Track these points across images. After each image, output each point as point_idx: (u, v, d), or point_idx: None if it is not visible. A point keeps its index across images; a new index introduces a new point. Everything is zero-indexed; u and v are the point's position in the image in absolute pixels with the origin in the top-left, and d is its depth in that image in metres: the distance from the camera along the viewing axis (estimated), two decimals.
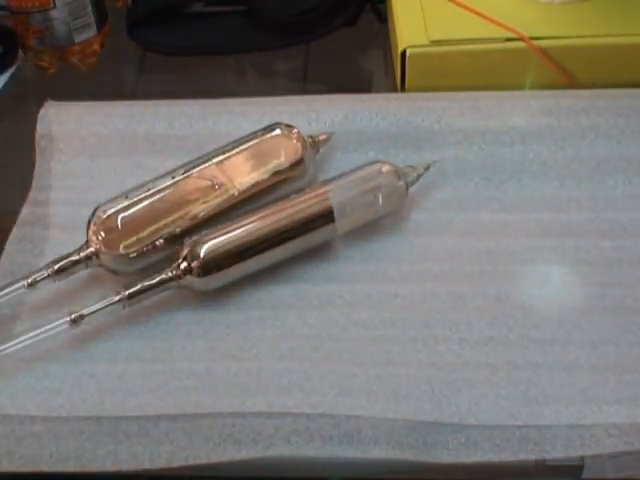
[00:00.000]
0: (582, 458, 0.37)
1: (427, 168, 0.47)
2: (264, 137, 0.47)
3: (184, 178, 0.46)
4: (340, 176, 0.46)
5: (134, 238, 0.43)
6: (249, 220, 0.44)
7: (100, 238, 0.43)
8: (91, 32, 0.60)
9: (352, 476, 0.38)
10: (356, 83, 0.61)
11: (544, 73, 0.53)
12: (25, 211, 0.49)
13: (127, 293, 0.41)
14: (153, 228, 0.44)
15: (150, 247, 0.44)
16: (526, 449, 0.37)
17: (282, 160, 0.47)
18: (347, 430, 0.38)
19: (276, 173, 0.47)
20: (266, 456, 0.37)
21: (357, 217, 0.46)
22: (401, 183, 0.46)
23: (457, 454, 0.37)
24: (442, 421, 0.38)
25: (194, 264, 0.42)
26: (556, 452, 0.37)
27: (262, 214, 0.44)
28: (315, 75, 0.61)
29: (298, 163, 0.47)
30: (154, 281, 0.42)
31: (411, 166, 0.47)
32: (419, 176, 0.47)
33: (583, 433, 0.37)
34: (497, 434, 0.37)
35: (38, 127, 0.52)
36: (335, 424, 0.38)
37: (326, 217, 0.44)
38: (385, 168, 0.46)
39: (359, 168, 0.46)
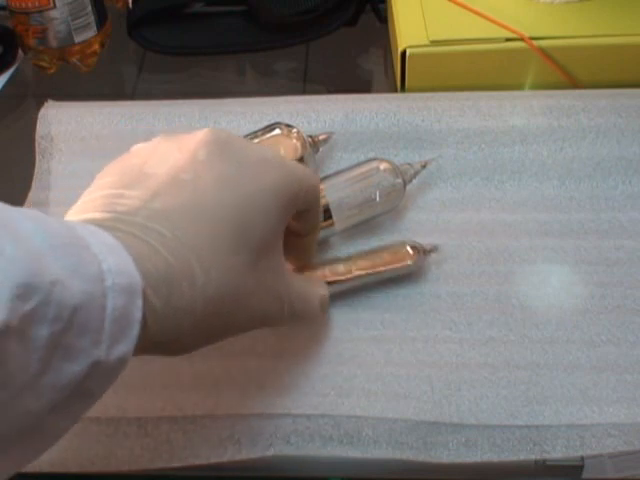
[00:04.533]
0: (582, 458, 0.37)
1: (424, 165, 0.47)
2: (264, 137, 0.47)
3: None
4: (337, 173, 0.46)
5: None
6: None
7: None
8: (91, 32, 0.60)
9: (352, 476, 0.38)
10: (356, 83, 0.61)
11: (544, 73, 0.53)
12: None
13: None
14: None
15: None
16: (526, 449, 0.37)
17: None
18: (347, 430, 0.38)
19: None
20: (266, 456, 0.37)
21: (355, 214, 0.45)
22: (399, 180, 0.46)
23: (457, 454, 0.37)
24: (442, 421, 0.38)
25: None
26: (556, 452, 0.37)
27: None
28: (315, 75, 0.61)
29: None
30: None
31: (408, 163, 0.47)
32: (416, 173, 0.47)
33: (583, 433, 0.37)
34: (497, 434, 0.37)
35: (38, 127, 0.51)
36: (335, 424, 0.38)
37: (323, 214, 0.44)
38: (382, 165, 0.46)
39: (356, 165, 0.46)
